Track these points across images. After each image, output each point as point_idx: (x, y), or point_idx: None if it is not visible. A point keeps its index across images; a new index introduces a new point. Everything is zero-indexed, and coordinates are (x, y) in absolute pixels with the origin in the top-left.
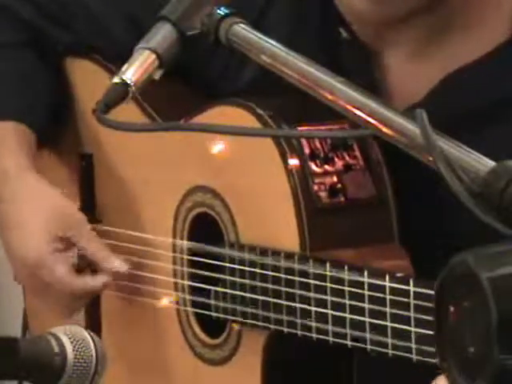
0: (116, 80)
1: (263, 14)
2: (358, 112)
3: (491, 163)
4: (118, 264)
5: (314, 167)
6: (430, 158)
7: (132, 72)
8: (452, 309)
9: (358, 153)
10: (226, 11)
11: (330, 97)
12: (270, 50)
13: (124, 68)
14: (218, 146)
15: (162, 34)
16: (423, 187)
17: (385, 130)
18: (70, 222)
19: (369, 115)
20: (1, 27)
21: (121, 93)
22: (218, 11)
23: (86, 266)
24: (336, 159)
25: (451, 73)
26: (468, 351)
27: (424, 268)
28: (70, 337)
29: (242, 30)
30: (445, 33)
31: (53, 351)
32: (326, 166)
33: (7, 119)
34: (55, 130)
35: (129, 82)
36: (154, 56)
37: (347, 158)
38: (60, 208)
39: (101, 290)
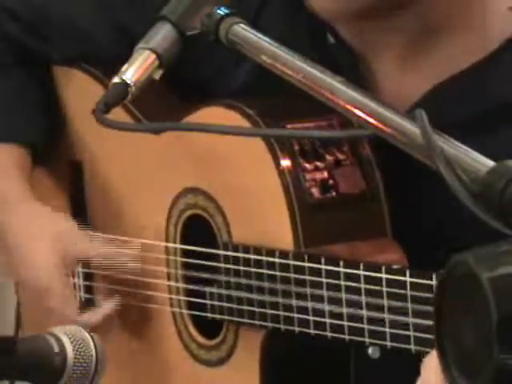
0: (116, 80)
1: (259, 14)
2: (357, 112)
3: (491, 163)
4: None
5: (304, 163)
6: (430, 158)
7: (132, 72)
8: (452, 309)
9: (347, 148)
10: (226, 11)
11: (330, 97)
12: (269, 49)
13: (124, 68)
14: (209, 147)
15: (161, 34)
16: (422, 187)
17: (385, 129)
18: (75, 241)
19: (369, 115)
20: None
21: (121, 93)
22: (218, 11)
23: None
24: (326, 155)
25: (438, 84)
26: (468, 351)
27: (423, 268)
28: (69, 337)
29: (242, 29)
30: (429, 40)
31: (53, 351)
32: (317, 162)
33: (2, 141)
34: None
35: (129, 81)
36: (153, 56)
37: (337, 153)
38: (65, 230)
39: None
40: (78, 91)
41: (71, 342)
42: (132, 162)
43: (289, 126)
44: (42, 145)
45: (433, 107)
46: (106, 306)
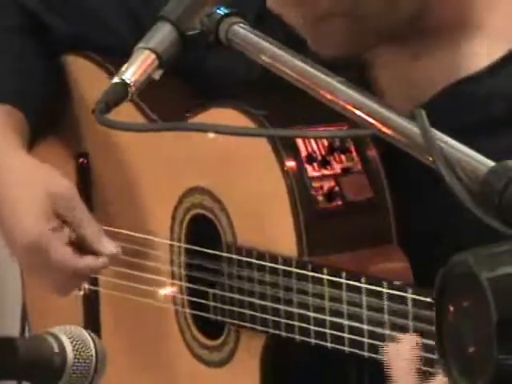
0: (116, 80)
1: (260, 17)
2: (357, 112)
3: (491, 163)
4: (113, 248)
5: (311, 171)
6: (430, 158)
7: (132, 72)
8: (452, 309)
9: (355, 154)
10: (226, 11)
11: (329, 97)
12: (270, 49)
13: (124, 68)
14: (215, 147)
15: (161, 34)
16: (423, 188)
17: (385, 130)
18: (65, 202)
19: (369, 115)
20: (2, 11)
21: (120, 93)
22: (218, 11)
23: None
24: (333, 162)
25: (435, 94)
26: (468, 351)
27: (424, 269)
28: (69, 337)
29: (242, 30)
30: (431, 49)
31: (53, 351)
32: (323, 170)
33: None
34: (51, 131)
35: (128, 81)
36: (153, 56)
37: (344, 160)
38: (55, 186)
39: (101, 270)
40: (87, 83)
41: (71, 342)
42: (139, 157)
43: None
44: (39, 114)
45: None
46: (109, 250)
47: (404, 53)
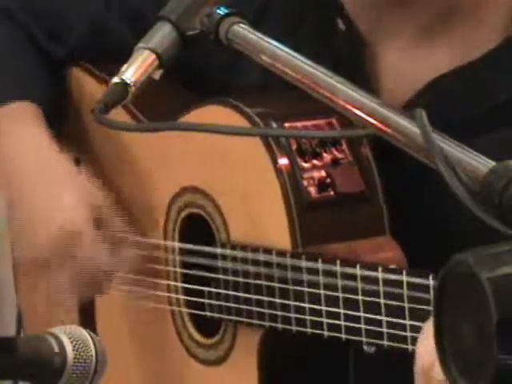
0: (116, 80)
1: (261, 13)
2: (358, 112)
3: (491, 163)
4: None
5: (302, 162)
6: (430, 158)
7: (131, 72)
8: (452, 309)
9: (345, 147)
10: (226, 11)
11: (330, 97)
12: (270, 49)
13: (124, 68)
14: (207, 145)
15: (161, 34)
16: (422, 187)
17: (385, 129)
18: (100, 204)
19: (369, 115)
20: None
21: (120, 93)
22: (218, 11)
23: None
24: (324, 154)
25: (438, 76)
26: (468, 351)
27: (422, 268)
28: (69, 337)
29: (242, 30)
30: (437, 30)
31: (53, 351)
32: (314, 161)
33: (19, 99)
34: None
35: (128, 81)
36: (153, 56)
37: (335, 152)
38: (89, 189)
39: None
40: (79, 88)
41: (71, 342)
42: (133, 158)
43: (287, 125)
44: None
45: (431, 100)
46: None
47: (411, 35)
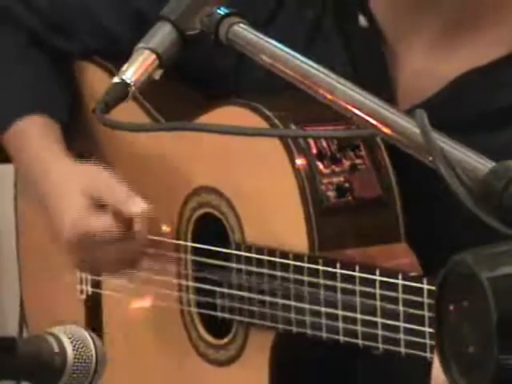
0: (116, 80)
1: (274, 14)
2: (357, 112)
3: (491, 163)
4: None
5: (321, 167)
6: (430, 158)
7: (132, 72)
8: (452, 309)
9: (364, 153)
10: (226, 11)
11: (329, 97)
12: (270, 49)
13: (124, 68)
14: (223, 145)
15: (161, 34)
16: (422, 187)
17: (385, 129)
18: (101, 185)
19: (369, 115)
20: (8, 32)
21: (121, 92)
22: (218, 11)
23: None
24: (343, 159)
25: (460, 75)
26: (468, 351)
27: (423, 269)
28: (69, 337)
29: (242, 30)
30: (459, 31)
31: (53, 351)
32: (334, 166)
33: (30, 113)
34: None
35: (129, 81)
36: (153, 56)
37: (354, 158)
38: (90, 173)
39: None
40: (90, 85)
41: (71, 342)
42: (145, 156)
43: (308, 129)
44: (61, 116)
45: (452, 99)
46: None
47: (434, 33)
